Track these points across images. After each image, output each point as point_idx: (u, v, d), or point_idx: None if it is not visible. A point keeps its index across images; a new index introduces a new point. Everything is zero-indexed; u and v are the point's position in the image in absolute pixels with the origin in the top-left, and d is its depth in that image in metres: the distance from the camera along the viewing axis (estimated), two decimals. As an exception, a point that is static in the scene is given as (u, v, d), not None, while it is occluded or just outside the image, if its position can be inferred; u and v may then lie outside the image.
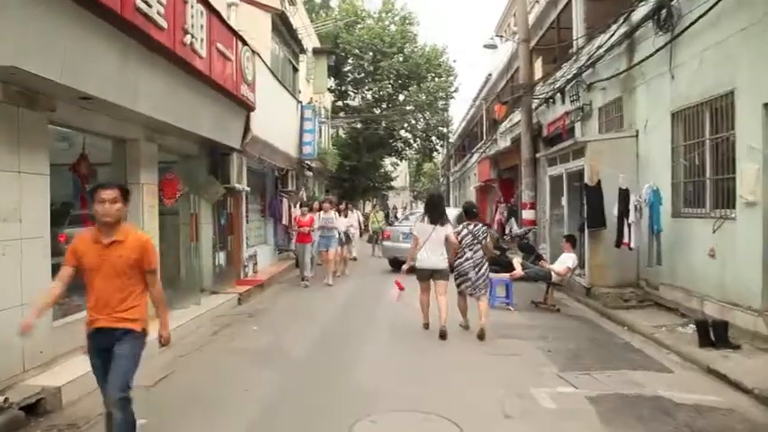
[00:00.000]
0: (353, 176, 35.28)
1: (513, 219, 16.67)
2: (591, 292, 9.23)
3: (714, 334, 6.00)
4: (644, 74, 8.97)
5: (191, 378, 5.43)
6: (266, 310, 8.88)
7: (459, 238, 7.11)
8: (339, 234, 12.04)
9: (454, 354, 6.15)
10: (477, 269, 7.04)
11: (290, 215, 13.59)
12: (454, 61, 39.83)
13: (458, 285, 7.25)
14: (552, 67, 14.94)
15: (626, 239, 8.39)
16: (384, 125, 35.43)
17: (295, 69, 17.25)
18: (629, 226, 8.35)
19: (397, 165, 41.15)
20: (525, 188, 15.14)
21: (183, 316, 7.51)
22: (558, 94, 13.58)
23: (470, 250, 7.08)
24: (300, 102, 14.47)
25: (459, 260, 7.12)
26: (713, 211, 7.15)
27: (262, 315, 8.50)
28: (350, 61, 33.54)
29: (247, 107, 9.64)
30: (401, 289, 7.56)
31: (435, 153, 41.37)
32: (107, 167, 7.17)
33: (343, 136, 37.52)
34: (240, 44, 9.19)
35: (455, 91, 36.89)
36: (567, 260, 8.73)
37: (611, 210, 8.62)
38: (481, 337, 6.67)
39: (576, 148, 9.82)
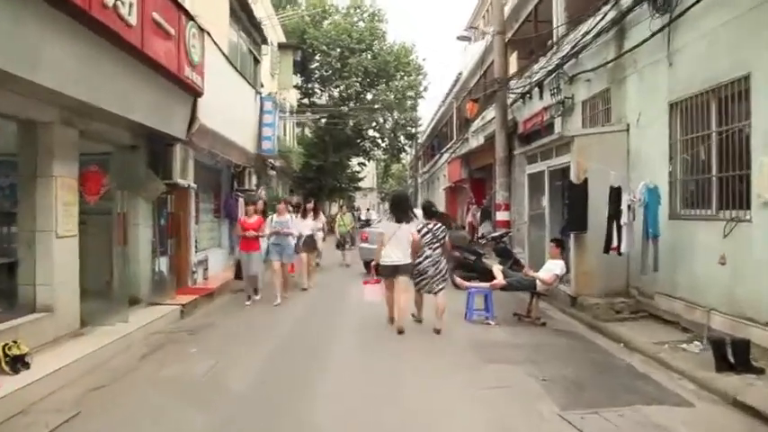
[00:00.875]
0: (320, 176, 34.07)
1: (487, 221, 15.80)
2: (577, 302, 8.35)
3: (733, 355, 5.14)
4: (636, 62, 8.16)
5: (98, 425, 4.25)
6: (211, 326, 7.67)
7: (420, 237, 7.32)
8: (298, 241, 10.25)
9: (435, 391, 4.97)
10: (435, 266, 7.35)
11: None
12: (423, 60, 38.74)
13: (416, 283, 7.51)
14: (528, 61, 14.15)
15: (614, 244, 7.53)
16: (351, 124, 34.36)
17: (257, 61, 16.03)
18: (619, 228, 7.47)
19: (365, 165, 40.06)
20: (500, 188, 14.30)
21: (106, 335, 6.26)
22: (536, 89, 12.79)
23: (430, 248, 7.38)
24: (260, 93, 13.27)
25: (419, 258, 7.35)
26: (720, 213, 6.33)
27: (204, 332, 7.30)
28: (317, 58, 32.35)
29: (194, 92, 8.43)
30: (377, 282, 7.47)
31: (403, 153, 40.44)
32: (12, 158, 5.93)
33: (310, 135, 36.32)
34: (185, 19, 8.00)
35: (424, 90, 36.08)
36: (554, 267, 7.77)
37: (597, 211, 7.75)
38: (437, 332, 7.04)
39: (561, 143, 8.95)
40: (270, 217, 9.81)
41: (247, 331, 7.44)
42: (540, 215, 10.06)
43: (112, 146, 7.70)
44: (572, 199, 8.50)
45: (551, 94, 11.38)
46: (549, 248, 8.30)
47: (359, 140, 36.64)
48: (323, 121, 34.32)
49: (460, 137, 21.13)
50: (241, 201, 12.42)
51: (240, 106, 11.80)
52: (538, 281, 7.66)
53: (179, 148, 8.23)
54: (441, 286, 7.33)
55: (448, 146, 25.30)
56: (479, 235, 15.99)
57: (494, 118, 15.50)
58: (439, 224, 7.60)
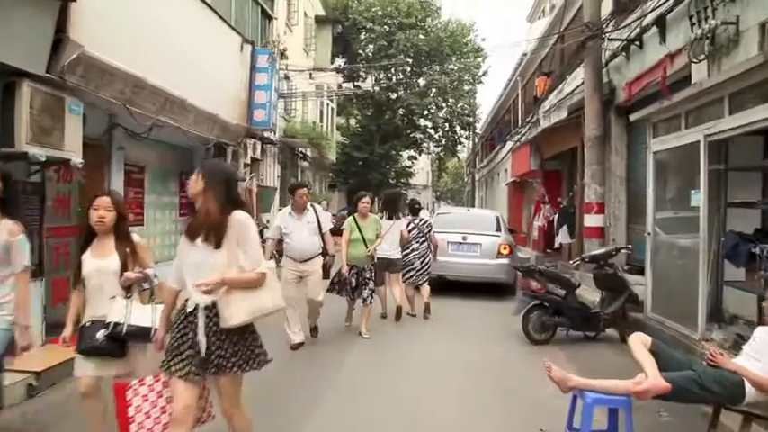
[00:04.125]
0: (365, 170, 30.42)
1: (565, 226, 11.49)
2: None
3: None
4: None
5: None
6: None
7: (408, 232, 7.70)
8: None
9: None
10: (421, 259, 7.91)
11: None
12: (483, 40, 34.14)
13: (404, 275, 7.83)
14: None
15: None
16: (401, 113, 30.51)
17: (267, 16, 12.44)
18: None
19: (416, 159, 36.04)
20: (590, 180, 10.04)
21: None
22: (654, 29, 8.48)
23: (417, 242, 7.91)
24: (252, 42, 9.56)
25: (405, 251, 7.76)
26: None
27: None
28: (361, 37, 28.64)
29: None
30: None
31: (460, 146, 36.12)
32: None
33: (355, 124, 32.74)
34: None
35: (483, 74, 31.75)
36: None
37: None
38: (427, 310, 7.78)
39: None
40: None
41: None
42: (687, 222, 5.83)
43: None
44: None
45: (692, 24, 7.04)
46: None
47: (409, 131, 32.75)
48: (368, 106, 30.72)
49: (529, 119, 16.80)
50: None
51: (211, 55, 8.13)
52: (748, 381, 3.34)
53: (28, 89, 4.52)
54: (425, 279, 8.00)
55: (512, 132, 20.91)
56: (558, 245, 11.76)
57: (578, 88, 11.25)
58: (425, 220, 8.18)
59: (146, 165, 7.65)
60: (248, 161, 13.81)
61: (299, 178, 21.82)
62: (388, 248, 7.23)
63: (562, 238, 11.54)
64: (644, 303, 6.51)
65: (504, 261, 9.23)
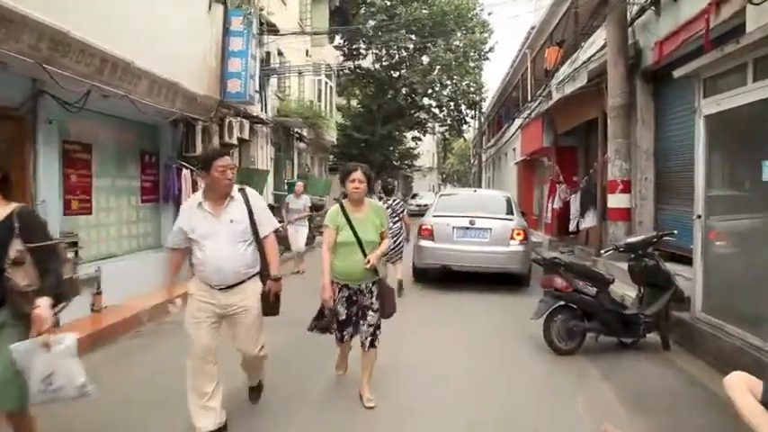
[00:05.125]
0: (367, 152, 29.13)
1: (591, 209, 10.18)
2: None
3: None
4: None
5: None
6: None
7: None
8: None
9: None
10: (395, 238, 7.79)
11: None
12: (489, 14, 32.56)
13: None
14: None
15: None
16: (404, 91, 29.09)
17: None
18: None
19: (420, 140, 34.68)
20: (614, 156, 8.79)
21: None
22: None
23: (390, 221, 7.14)
24: (224, 2, 8.26)
25: None
26: None
27: None
28: (361, 11, 27.13)
29: None
30: None
31: (465, 126, 34.65)
32: None
33: (356, 105, 31.40)
34: None
35: (490, 50, 30.21)
36: None
37: None
38: (400, 287, 7.78)
39: None
40: None
41: None
42: (757, 200, 4.58)
43: None
44: None
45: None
46: None
47: (413, 111, 31.37)
48: (369, 84, 29.32)
49: (540, 92, 15.42)
50: (186, 174, 7.62)
51: (170, 11, 6.84)
52: None
53: None
54: (398, 257, 8.00)
55: (523, 107, 19.52)
56: (575, 228, 10.49)
57: (596, 54, 9.93)
58: (398, 200, 8.22)
59: (93, 142, 6.45)
60: (234, 141, 12.65)
61: (296, 160, 20.61)
62: None
63: (588, 220, 10.25)
64: (691, 301, 5.30)
65: (518, 248, 8.02)
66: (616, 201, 8.76)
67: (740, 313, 4.61)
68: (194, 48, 7.69)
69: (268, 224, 3.50)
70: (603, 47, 9.79)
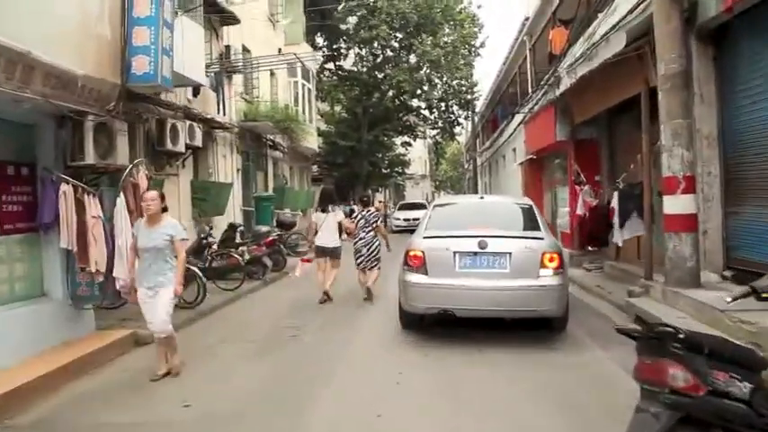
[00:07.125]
0: (353, 160, 26.80)
1: (634, 216, 7.70)
2: None
3: None
4: None
5: None
6: None
7: (356, 223, 8.58)
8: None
9: None
10: (368, 247, 8.35)
11: (81, 222, 5.18)
12: (479, 7, 30.39)
13: (356, 260, 8.52)
14: None
15: None
16: (391, 93, 26.79)
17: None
18: None
19: (410, 145, 32.29)
20: (671, 143, 6.41)
21: None
22: None
23: (364, 231, 8.44)
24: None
25: (355, 240, 8.51)
26: None
27: None
28: (339, 9, 24.86)
29: None
30: (309, 261, 8.91)
31: (458, 128, 32.36)
32: None
33: (339, 110, 29.03)
34: None
35: (481, 45, 28.03)
36: None
37: None
38: (368, 294, 8.21)
39: None
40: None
41: None
42: None
43: None
44: None
45: None
46: None
47: (401, 114, 29.07)
48: (353, 86, 26.96)
49: (548, 77, 13.05)
50: (69, 191, 5.17)
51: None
52: None
53: None
54: (373, 264, 8.41)
55: (525, 100, 17.12)
56: (613, 239, 8.05)
57: (637, 7, 7.56)
58: (372, 210, 8.81)
59: None
60: (180, 149, 10.21)
61: (269, 171, 18.19)
62: (324, 238, 8.35)
63: (631, 229, 7.78)
64: None
65: (553, 281, 5.47)
66: (677, 204, 6.39)
67: None
68: (70, 7, 5.23)
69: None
70: (639, 3, 7.48)
